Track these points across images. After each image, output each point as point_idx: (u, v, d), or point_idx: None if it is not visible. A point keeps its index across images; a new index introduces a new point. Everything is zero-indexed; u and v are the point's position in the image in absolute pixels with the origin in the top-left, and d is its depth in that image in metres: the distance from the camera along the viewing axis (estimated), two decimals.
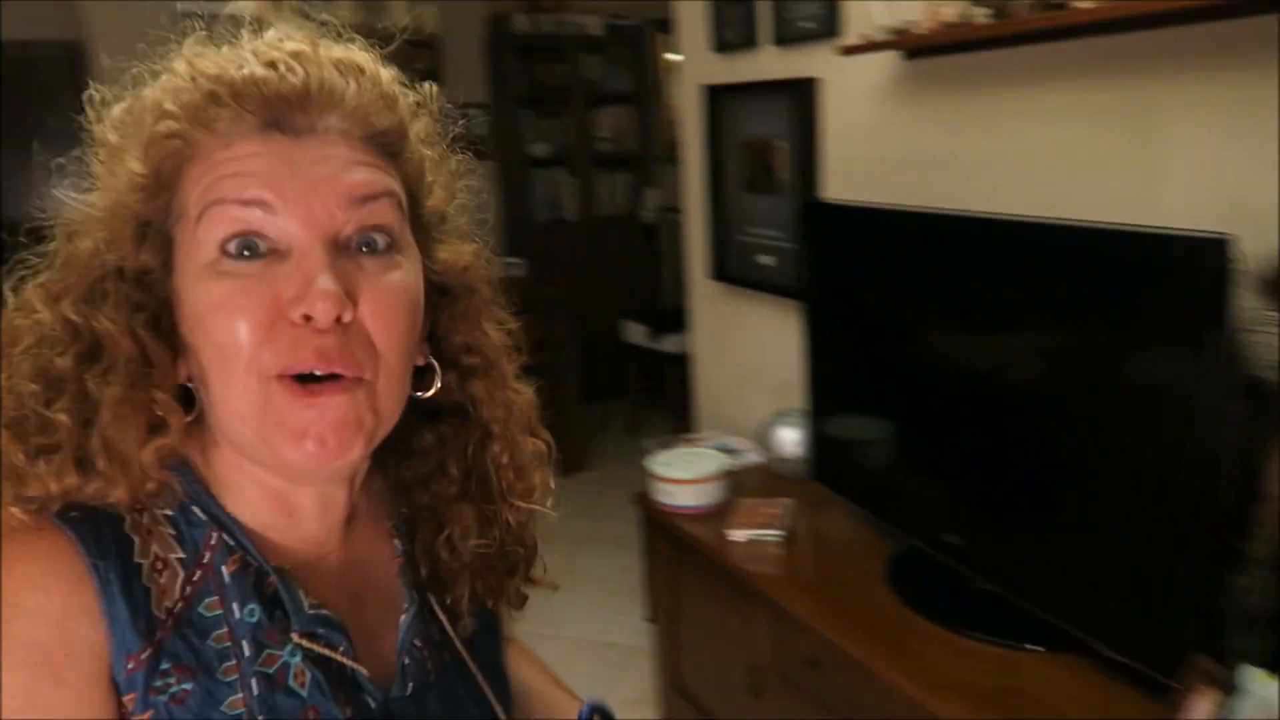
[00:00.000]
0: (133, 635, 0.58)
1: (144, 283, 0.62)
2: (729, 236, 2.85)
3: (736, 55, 2.68)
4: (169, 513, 0.63)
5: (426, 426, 0.74)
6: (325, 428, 0.59)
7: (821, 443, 2.18)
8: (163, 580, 0.60)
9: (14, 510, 0.58)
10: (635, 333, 4.84)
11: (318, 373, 0.59)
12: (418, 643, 0.71)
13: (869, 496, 2.06)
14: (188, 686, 0.59)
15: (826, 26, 2.30)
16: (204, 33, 0.64)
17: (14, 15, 5.15)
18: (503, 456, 0.74)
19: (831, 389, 2.12)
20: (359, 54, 0.66)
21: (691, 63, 2.92)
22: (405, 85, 0.69)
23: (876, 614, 1.77)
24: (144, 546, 0.61)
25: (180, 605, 0.61)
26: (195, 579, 0.62)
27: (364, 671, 0.66)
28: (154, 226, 0.62)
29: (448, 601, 0.75)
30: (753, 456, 2.61)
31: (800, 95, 2.43)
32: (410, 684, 0.69)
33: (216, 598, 0.62)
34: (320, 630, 0.65)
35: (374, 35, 0.69)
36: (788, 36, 2.45)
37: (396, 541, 0.74)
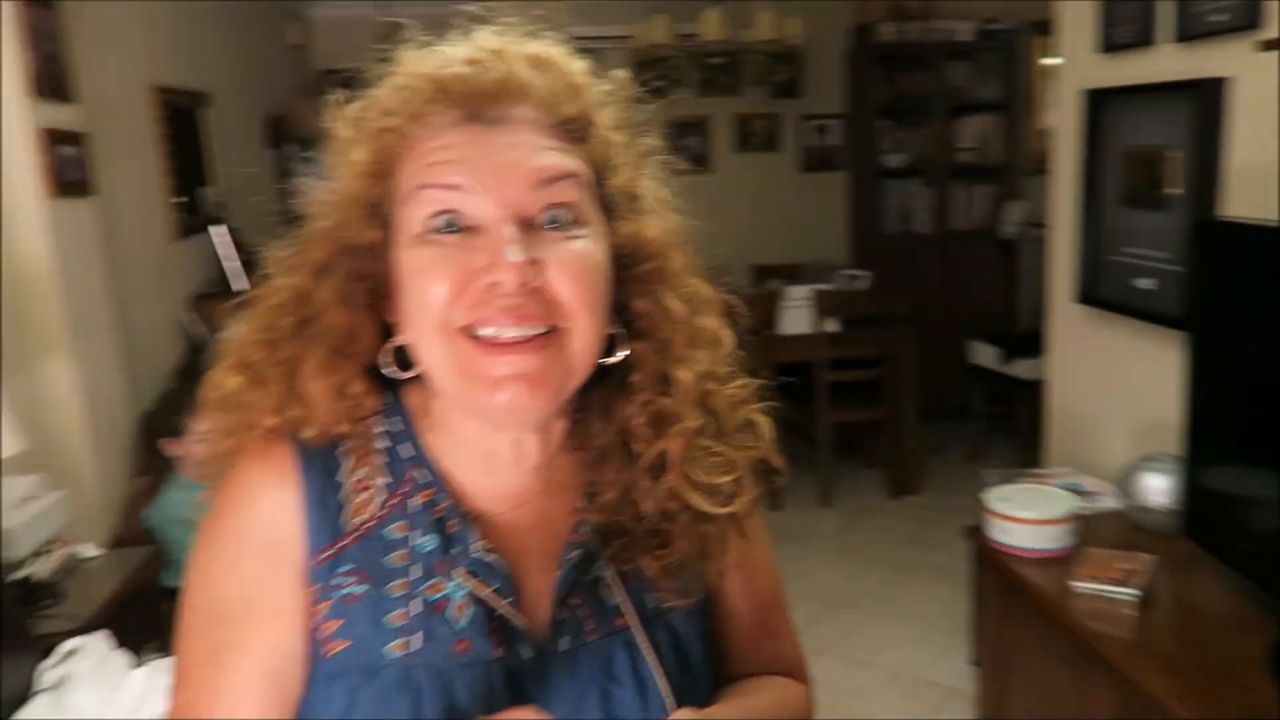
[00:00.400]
0: (322, 537, 0.69)
1: (370, 255, 0.70)
2: (1101, 255, 2.57)
3: (1126, 55, 2.41)
4: (386, 445, 0.73)
5: (596, 388, 0.74)
6: (518, 382, 0.66)
7: (1199, 495, 1.89)
8: (360, 499, 0.71)
9: (256, 434, 0.72)
10: (984, 354, 4.53)
11: (508, 333, 0.65)
12: (575, 600, 0.72)
13: (1257, 565, 1.75)
14: (359, 591, 0.68)
15: (1244, 18, 1.99)
16: (422, 37, 0.71)
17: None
18: (637, 418, 0.73)
19: (1218, 434, 1.83)
20: (550, 49, 0.71)
21: (1072, 65, 2.67)
22: (596, 76, 0.73)
23: (1256, 708, 1.50)
24: (353, 468, 0.72)
25: (372, 523, 0.70)
26: (390, 504, 0.71)
27: (520, 620, 0.69)
28: (378, 207, 0.70)
29: (629, 569, 0.73)
30: (1108, 501, 2.33)
31: (1203, 98, 2.13)
32: (565, 639, 0.71)
33: (404, 523, 0.71)
34: (483, 573, 0.70)
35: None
36: (1193, 32, 2.15)
37: (585, 494, 0.75)
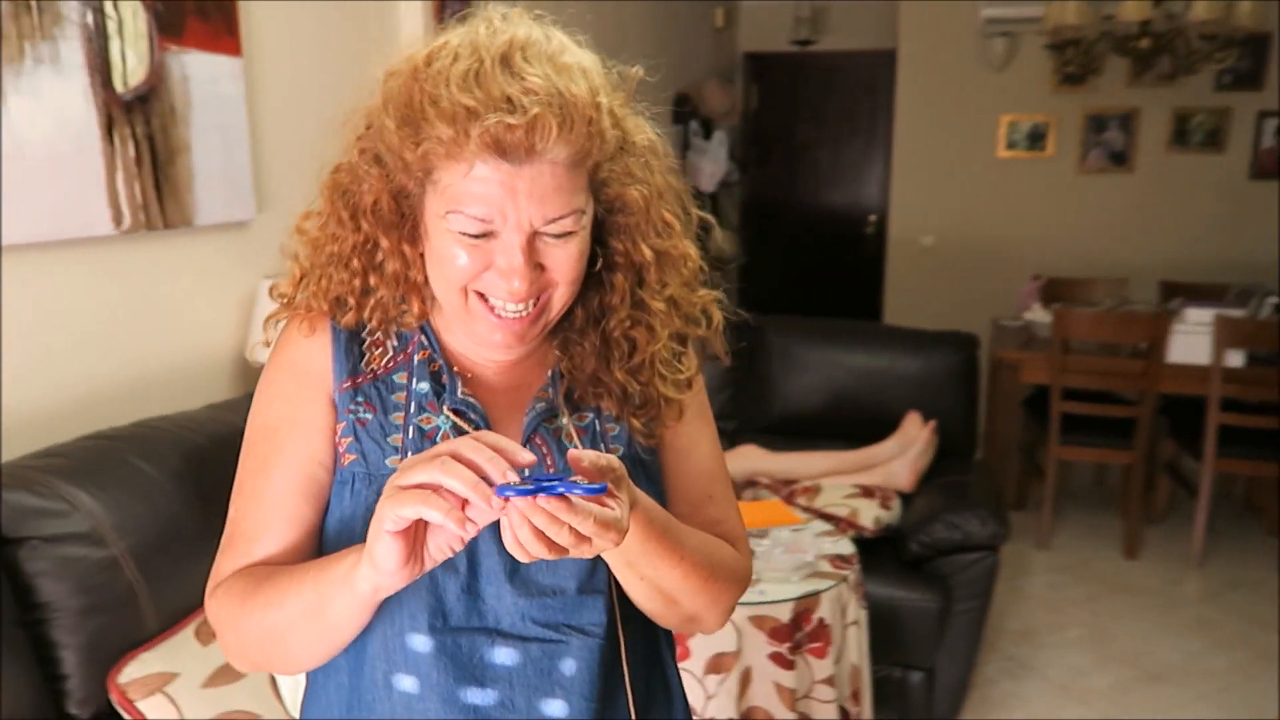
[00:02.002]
0: (344, 372, 0.90)
1: (404, 201, 0.86)
2: None
3: None
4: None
5: (580, 296, 0.91)
6: (510, 336, 0.86)
7: None
8: (376, 352, 0.92)
9: (312, 313, 0.92)
10: None
11: (510, 309, 0.84)
12: (538, 441, 0.91)
13: None
14: (369, 416, 0.89)
15: None
16: (465, 60, 0.80)
17: (849, 28, 5.89)
18: (616, 330, 0.92)
19: None
20: (577, 81, 0.81)
21: None
22: (608, 67, 0.87)
23: None
24: (371, 331, 0.93)
25: (382, 370, 0.91)
26: (397, 359, 0.92)
27: None
28: (414, 172, 0.84)
29: (585, 424, 0.93)
30: None
31: None
32: (527, 471, 0.84)
33: (405, 373, 0.91)
34: (465, 410, 0.89)
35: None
36: None
37: (554, 367, 0.94)
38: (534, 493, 0.69)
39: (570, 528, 0.69)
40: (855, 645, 2.01)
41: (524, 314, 0.85)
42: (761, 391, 3.23)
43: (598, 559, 0.88)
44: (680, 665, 1.86)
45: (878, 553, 2.59)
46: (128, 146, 1.89)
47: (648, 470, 0.95)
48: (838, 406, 3.14)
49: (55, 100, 1.75)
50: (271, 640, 0.84)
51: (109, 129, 1.85)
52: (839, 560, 2.06)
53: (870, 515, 2.61)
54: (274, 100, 2.32)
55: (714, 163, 5.15)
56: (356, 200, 0.87)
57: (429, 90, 0.80)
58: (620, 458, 0.90)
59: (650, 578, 0.87)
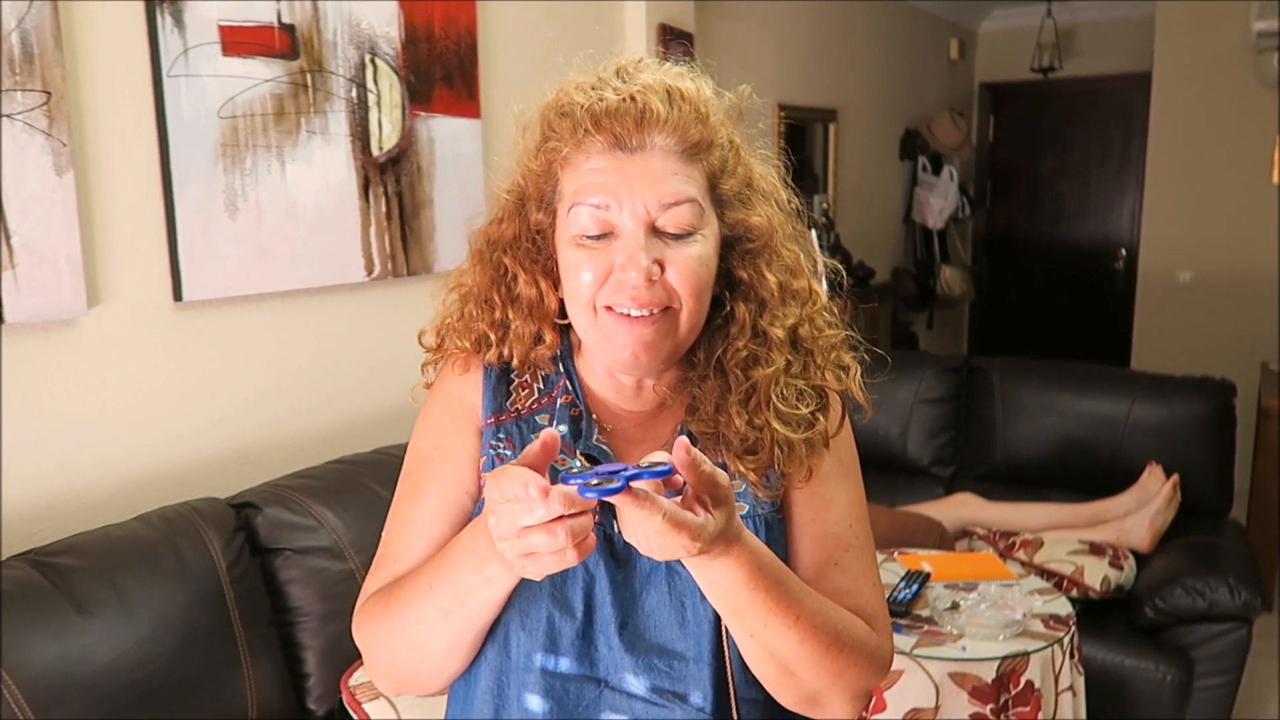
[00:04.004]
0: (490, 409, 0.96)
1: (539, 239, 0.93)
2: None
3: None
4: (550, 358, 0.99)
5: (704, 332, 0.93)
6: (639, 345, 0.87)
7: None
8: (522, 394, 0.97)
9: (466, 353, 0.98)
10: None
11: (634, 312, 0.86)
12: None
13: None
14: (507, 453, 0.94)
15: None
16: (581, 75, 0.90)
17: (1097, 52, 5.57)
18: (733, 360, 0.91)
19: None
20: (687, 82, 0.88)
21: None
22: (720, 92, 0.91)
23: None
24: (519, 372, 0.98)
25: (526, 410, 0.96)
26: (541, 401, 0.96)
27: None
28: (544, 199, 0.92)
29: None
30: None
31: None
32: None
33: (548, 415, 0.96)
34: (597, 456, 0.92)
35: None
36: None
37: (685, 417, 0.94)
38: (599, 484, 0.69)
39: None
40: (1070, 713, 1.88)
41: (649, 316, 0.86)
42: (982, 437, 3.09)
43: (717, 625, 0.87)
44: (875, 718, 1.83)
45: (1106, 616, 2.42)
46: (380, 203, 2.13)
47: (770, 531, 0.92)
48: (1066, 456, 2.95)
49: (323, 165, 2.01)
50: (417, 650, 0.88)
51: (365, 188, 2.10)
52: (1053, 621, 1.94)
53: (1098, 574, 2.44)
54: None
55: (942, 198, 5.01)
56: (498, 238, 0.95)
57: (554, 104, 0.90)
58: (742, 517, 0.87)
59: (761, 636, 0.83)
